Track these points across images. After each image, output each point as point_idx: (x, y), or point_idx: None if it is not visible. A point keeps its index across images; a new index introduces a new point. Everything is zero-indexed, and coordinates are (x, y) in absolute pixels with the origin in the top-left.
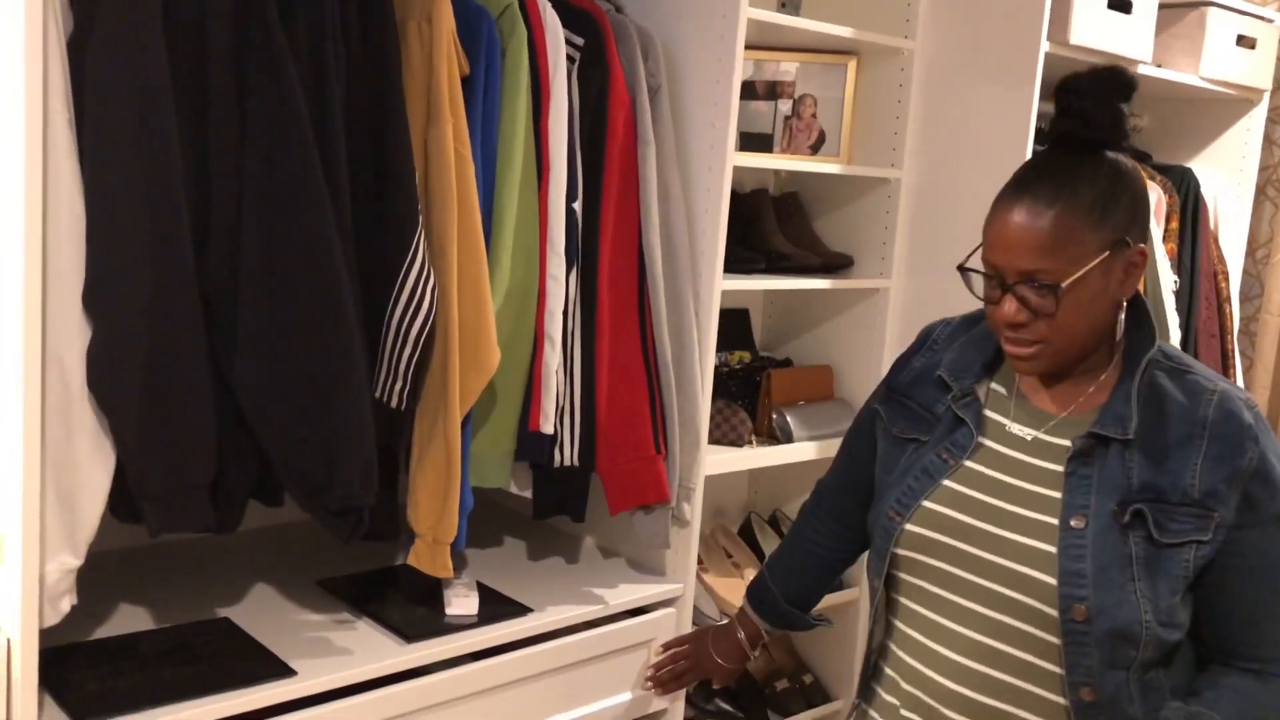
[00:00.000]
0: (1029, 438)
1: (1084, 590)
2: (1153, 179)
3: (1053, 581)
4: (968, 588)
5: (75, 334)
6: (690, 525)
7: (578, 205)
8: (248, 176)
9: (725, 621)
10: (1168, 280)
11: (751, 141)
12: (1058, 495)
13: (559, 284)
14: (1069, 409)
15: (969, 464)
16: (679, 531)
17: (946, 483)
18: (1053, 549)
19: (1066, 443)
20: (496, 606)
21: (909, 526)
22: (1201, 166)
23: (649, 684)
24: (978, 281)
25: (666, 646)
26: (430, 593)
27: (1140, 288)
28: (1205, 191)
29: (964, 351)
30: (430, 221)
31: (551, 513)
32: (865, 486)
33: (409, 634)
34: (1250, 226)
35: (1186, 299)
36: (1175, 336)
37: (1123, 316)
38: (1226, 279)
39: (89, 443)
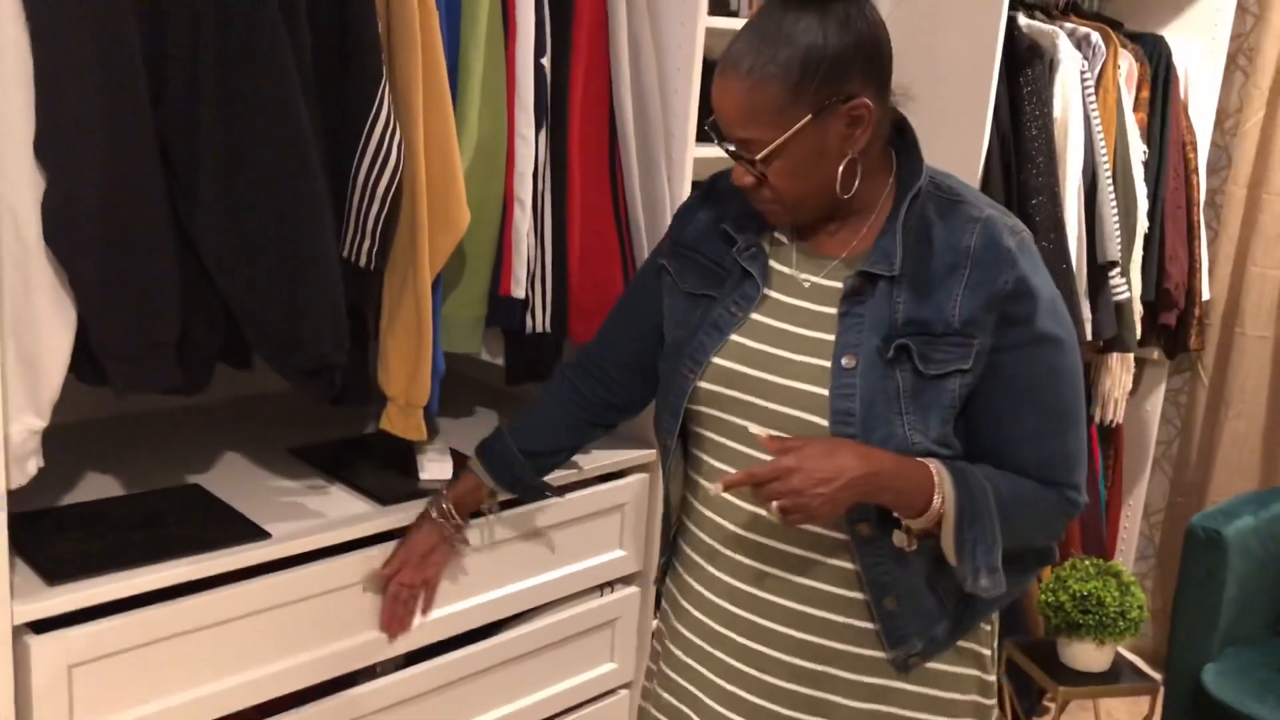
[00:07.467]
0: (808, 284)
1: (852, 428)
2: (1124, 47)
3: (825, 423)
4: (753, 439)
5: (27, 185)
6: None
7: (546, 61)
8: (202, 24)
9: (414, 524)
10: (1137, 151)
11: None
12: (832, 338)
13: (528, 144)
14: (846, 250)
15: (755, 316)
16: None
17: (733, 337)
18: (825, 391)
19: (840, 285)
20: None
21: (701, 384)
22: (1174, 35)
23: (386, 633)
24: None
25: (386, 585)
26: (403, 458)
27: (1109, 159)
28: (1176, 60)
29: (749, 202)
30: (394, 75)
31: (524, 378)
32: (635, 346)
33: (383, 498)
34: (1220, 96)
35: (1155, 170)
36: (1143, 207)
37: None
38: (1195, 150)
39: (48, 299)
